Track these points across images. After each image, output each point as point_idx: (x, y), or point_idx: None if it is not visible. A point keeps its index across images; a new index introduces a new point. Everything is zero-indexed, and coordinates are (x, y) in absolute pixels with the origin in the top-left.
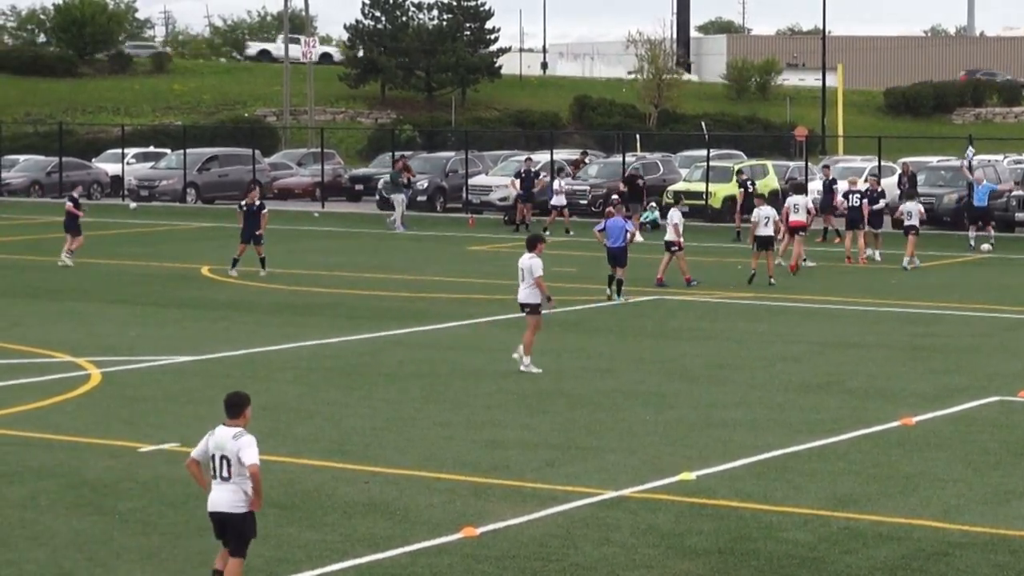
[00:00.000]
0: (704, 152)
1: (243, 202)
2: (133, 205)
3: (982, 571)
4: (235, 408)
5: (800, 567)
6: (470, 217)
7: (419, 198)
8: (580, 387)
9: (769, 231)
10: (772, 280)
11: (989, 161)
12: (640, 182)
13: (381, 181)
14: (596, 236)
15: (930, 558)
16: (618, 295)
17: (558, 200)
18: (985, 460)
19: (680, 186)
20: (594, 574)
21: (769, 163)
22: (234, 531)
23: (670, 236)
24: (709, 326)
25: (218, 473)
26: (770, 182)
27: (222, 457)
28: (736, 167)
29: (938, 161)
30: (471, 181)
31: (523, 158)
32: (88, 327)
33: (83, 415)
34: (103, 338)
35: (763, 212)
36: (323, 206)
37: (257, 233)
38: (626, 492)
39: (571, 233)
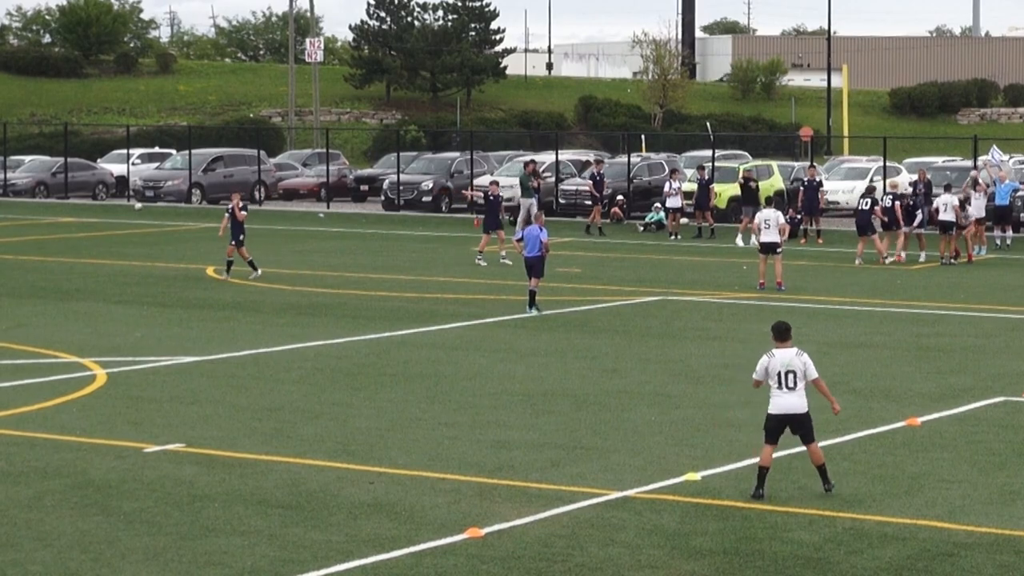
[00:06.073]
0: (709, 152)
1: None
2: (138, 206)
3: (987, 571)
4: (786, 332)
5: (805, 567)
6: (475, 218)
7: (424, 199)
8: (585, 387)
9: (772, 236)
10: (781, 286)
11: (996, 160)
12: (753, 184)
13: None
14: (515, 246)
15: (935, 558)
16: (530, 306)
17: (674, 202)
18: (990, 460)
19: (685, 187)
20: (599, 575)
21: (774, 163)
22: (806, 424)
23: (775, 236)
24: (714, 326)
25: (784, 384)
26: (775, 182)
27: (788, 371)
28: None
29: (943, 162)
30: (476, 182)
31: (594, 159)
32: (93, 327)
33: (88, 415)
34: (108, 338)
35: (764, 215)
36: (328, 207)
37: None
38: (631, 492)
39: (678, 237)
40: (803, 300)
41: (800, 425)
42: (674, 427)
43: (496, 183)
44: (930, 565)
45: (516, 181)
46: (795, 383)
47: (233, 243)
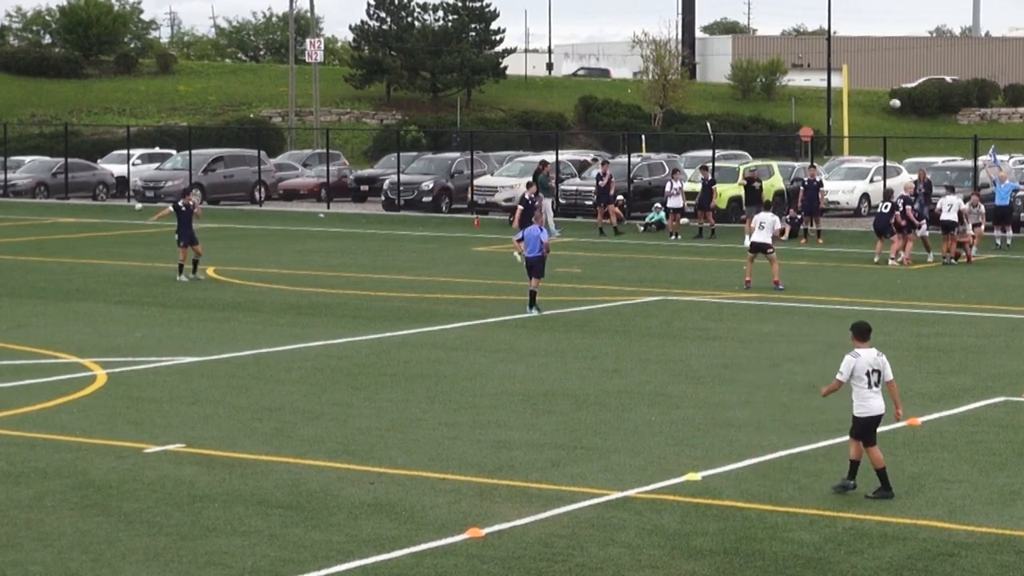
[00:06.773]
0: (709, 152)
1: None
2: (138, 206)
3: (987, 571)
4: (868, 332)
5: (805, 567)
6: (475, 218)
7: (424, 199)
8: (585, 387)
9: (764, 238)
10: (779, 285)
11: (995, 161)
12: (757, 184)
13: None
14: (515, 246)
15: (936, 558)
16: (530, 307)
17: (675, 202)
18: (991, 460)
19: (688, 187)
20: (599, 574)
21: (775, 163)
22: (877, 426)
23: (766, 238)
24: (714, 326)
25: (871, 384)
26: (775, 183)
27: (873, 371)
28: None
29: (943, 162)
30: (476, 182)
31: (597, 160)
32: (94, 328)
33: (89, 416)
34: (109, 339)
35: (760, 218)
36: (328, 207)
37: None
38: (631, 492)
39: (678, 237)
40: (803, 300)
41: (876, 427)
42: (674, 427)
43: (531, 184)
44: (930, 565)
45: (519, 182)
46: (879, 383)
47: (195, 244)
